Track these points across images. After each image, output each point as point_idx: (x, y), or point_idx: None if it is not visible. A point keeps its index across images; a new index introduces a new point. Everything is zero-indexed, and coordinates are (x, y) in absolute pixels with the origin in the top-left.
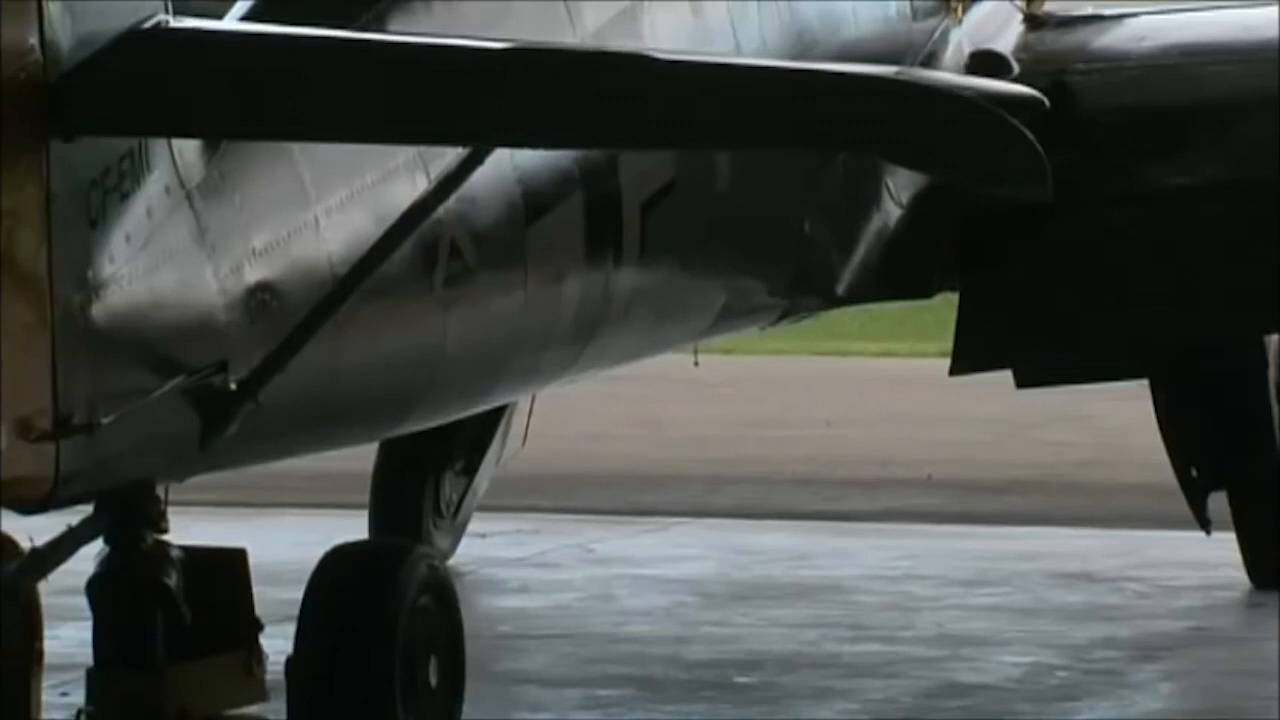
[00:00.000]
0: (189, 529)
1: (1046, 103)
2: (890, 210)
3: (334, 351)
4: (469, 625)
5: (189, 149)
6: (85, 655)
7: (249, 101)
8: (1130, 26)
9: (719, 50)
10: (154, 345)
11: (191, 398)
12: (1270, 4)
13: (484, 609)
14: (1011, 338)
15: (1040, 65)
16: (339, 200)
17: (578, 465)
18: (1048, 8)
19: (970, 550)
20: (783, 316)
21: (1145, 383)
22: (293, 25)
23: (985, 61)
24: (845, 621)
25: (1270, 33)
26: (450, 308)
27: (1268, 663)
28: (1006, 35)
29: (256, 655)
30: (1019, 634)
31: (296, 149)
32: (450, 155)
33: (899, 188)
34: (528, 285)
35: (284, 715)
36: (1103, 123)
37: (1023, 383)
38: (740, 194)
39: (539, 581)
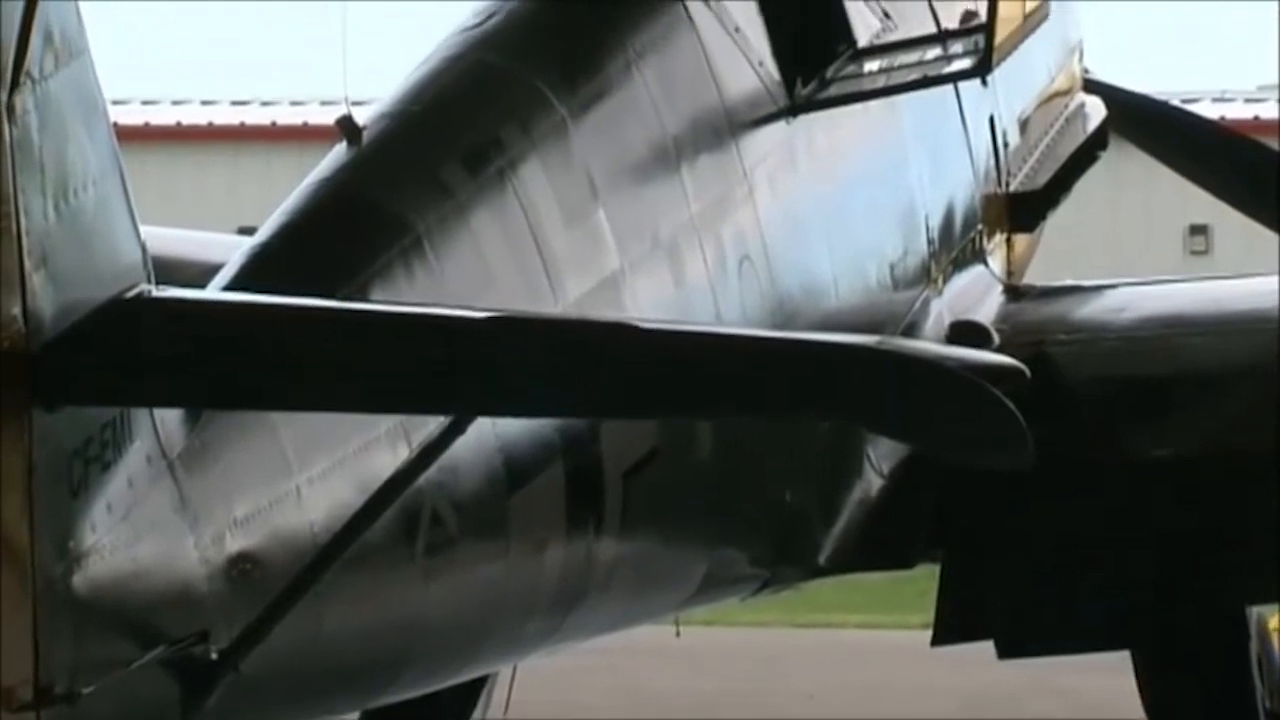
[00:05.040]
0: None
1: (1027, 373)
2: (872, 480)
3: (316, 621)
4: None
5: (171, 418)
6: None
7: (230, 371)
8: (1110, 297)
9: (700, 319)
10: (135, 615)
11: (173, 667)
12: (1246, 276)
13: None
14: (993, 608)
15: (1021, 335)
16: (321, 469)
17: None
18: (1027, 279)
19: None
20: (764, 586)
21: (1126, 654)
22: (274, 295)
23: (966, 332)
24: None
25: (1248, 304)
26: (431, 577)
27: None
28: (987, 305)
29: None
30: None
31: (278, 418)
32: (432, 424)
33: (880, 457)
34: (509, 554)
35: None
36: (1084, 393)
37: (1005, 653)
38: (722, 463)
39: None
